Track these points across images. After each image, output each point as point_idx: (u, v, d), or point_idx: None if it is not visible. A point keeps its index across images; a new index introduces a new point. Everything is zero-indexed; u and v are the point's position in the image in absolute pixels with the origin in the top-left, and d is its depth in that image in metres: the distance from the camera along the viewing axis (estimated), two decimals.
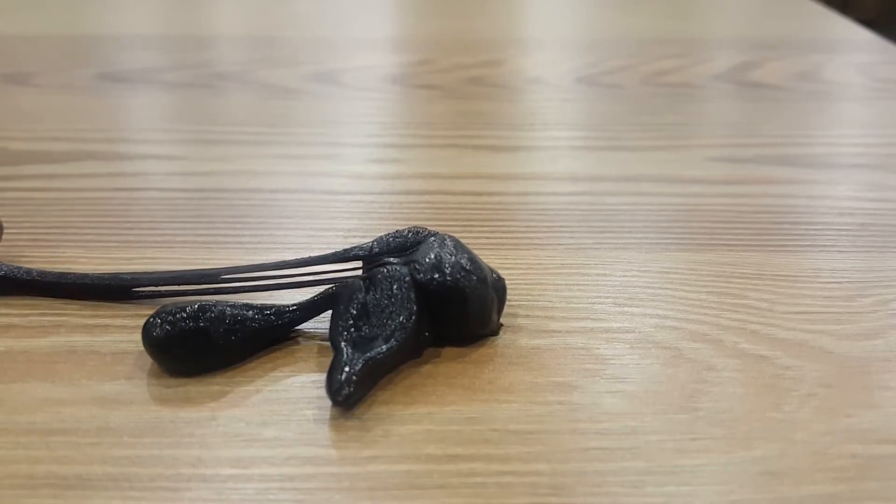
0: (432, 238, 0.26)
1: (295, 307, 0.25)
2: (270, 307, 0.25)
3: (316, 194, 0.35)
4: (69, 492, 0.20)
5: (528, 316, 0.27)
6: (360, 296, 0.24)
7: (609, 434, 0.22)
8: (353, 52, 0.58)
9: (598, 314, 0.27)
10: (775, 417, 0.22)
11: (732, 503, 0.20)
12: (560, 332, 0.26)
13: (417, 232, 0.26)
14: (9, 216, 0.32)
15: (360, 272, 0.26)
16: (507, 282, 0.27)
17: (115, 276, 0.27)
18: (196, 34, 0.63)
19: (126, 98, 0.47)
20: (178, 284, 0.27)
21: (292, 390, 0.23)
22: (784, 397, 0.23)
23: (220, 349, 0.24)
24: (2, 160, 0.38)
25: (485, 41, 0.62)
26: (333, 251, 0.27)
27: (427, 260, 0.25)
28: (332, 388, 0.22)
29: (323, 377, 0.23)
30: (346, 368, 0.22)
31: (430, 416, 0.22)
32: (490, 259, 0.29)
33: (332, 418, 0.22)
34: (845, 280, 0.29)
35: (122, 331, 0.26)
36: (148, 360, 0.24)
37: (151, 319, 0.23)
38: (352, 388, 0.22)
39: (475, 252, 0.26)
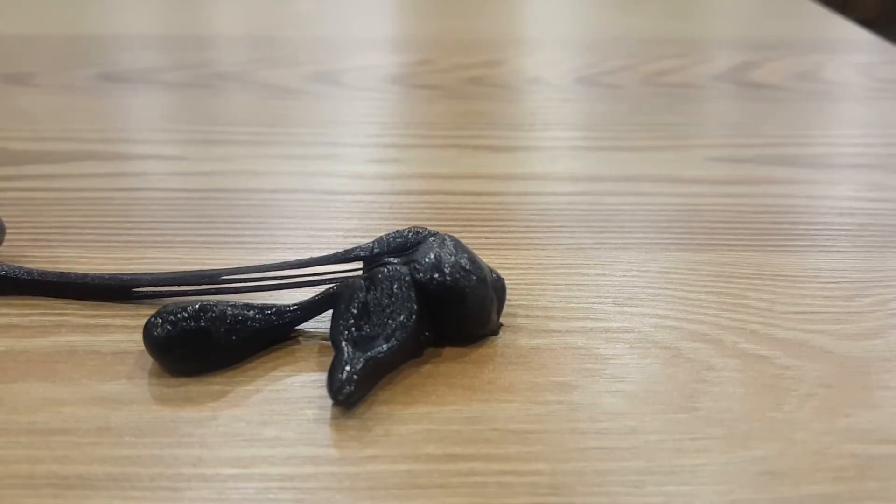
0: (432, 238, 0.26)
1: (296, 307, 0.25)
2: (271, 307, 0.25)
3: (316, 194, 0.35)
4: (70, 491, 0.20)
5: (527, 316, 0.27)
6: (360, 295, 0.24)
7: (609, 434, 0.22)
8: (353, 52, 0.58)
9: (597, 314, 0.27)
10: (775, 417, 0.23)
11: (732, 503, 0.20)
12: (560, 331, 0.26)
13: (417, 232, 0.26)
14: (9, 216, 0.32)
15: (360, 272, 0.27)
16: (506, 282, 0.27)
17: (116, 277, 0.27)
18: (196, 34, 0.63)
19: (126, 98, 0.47)
20: (179, 285, 0.27)
21: (293, 390, 0.23)
22: (784, 397, 0.23)
23: (221, 349, 0.24)
24: (2, 160, 0.38)
25: (485, 41, 0.62)
26: (334, 251, 0.27)
27: (427, 260, 0.25)
28: (333, 387, 0.22)
29: (323, 377, 0.23)
30: (347, 367, 0.22)
31: (430, 415, 0.22)
32: (490, 259, 0.29)
33: (333, 418, 0.22)
34: (845, 280, 0.29)
35: (123, 330, 0.26)
36: (148, 360, 0.24)
37: (152, 319, 0.23)
38: (353, 388, 0.22)
39: (475, 252, 0.26)
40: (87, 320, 0.26)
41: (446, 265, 0.24)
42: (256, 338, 0.24)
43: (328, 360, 0.23)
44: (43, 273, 0.27)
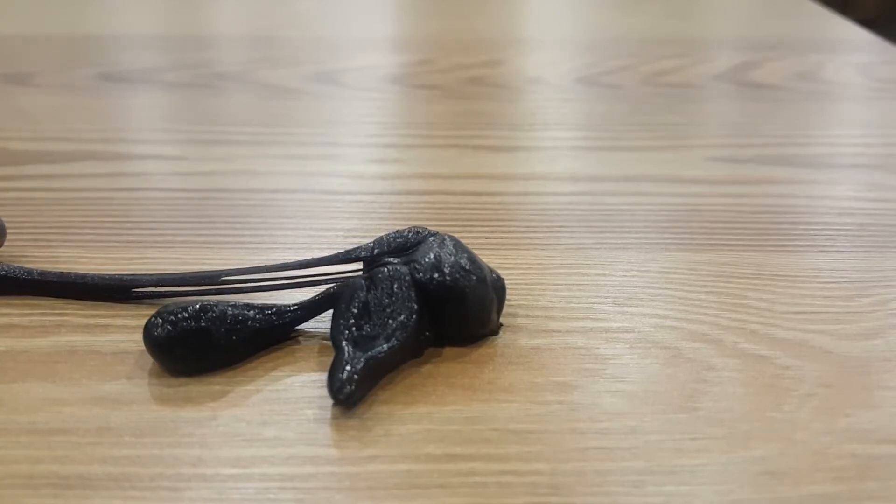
0: (432, 238, 0.26)
1: (296, 307, 0.25)
2: (271, 307, 0.25)
3: (316, 194, 0.35)
4: (70, 491, 0.20)
5: (527, 316, 0.27)
6: (361, 295, 0.24)
7: (609, 434, 0.22)
8: (353, 52, 0.58)
9: (597, 314, 0.27)
10: (775, 417, 0.23)
11: (732, 503, 0.20)
12: (560, 331, 0.26)
13: (418, 232, 0.26)
14: (9, 216, 0.32)
15: (360, 272, 0.27)
16: (506, 282, 0.27)
17: (116, 277, 0.27)
18: (196, 34, 0.63)
19: (126, 98, 0.47)
20: (179, 285, 0.27)
21: (293, 390, 0.23)
22: (784, 397, 0.23)
23: (221, 349, 0.24)
24: (2, 160, 0.38)
25: (485, 41, 0.62)
26: (334, 252, 0.27)
27: (427, 260, 0.25)
28: (334, 386, 0.22)
29: (323, 377, 0.23)
30: (348, 367, 0.22)
31: (430, 415, 0.22)
32: (490, 259, 0.30)
33: (333, 418, 0.22)
34: (845, 280, 0.29)
35: (123, 330, 0.26)
36: (148, 360, 0.24)
37: (153, 319, 0.23)
38: (353, 387, 0.22)
39: (475, 252, 0.26)
40: (87, 320, 0.26)
41: (446, 265, 0.24)
42: (256, 338, 0.24)
43: (328, 359, 0.23)
44: (43, 273, 0.27)
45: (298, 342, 0.25)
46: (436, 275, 0.24)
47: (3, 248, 0.30)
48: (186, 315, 0.23)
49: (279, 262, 0.27)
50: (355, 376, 0.22)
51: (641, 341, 0.26)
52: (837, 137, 0.43)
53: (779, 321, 0.27)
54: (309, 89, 0.49)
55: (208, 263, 0.29)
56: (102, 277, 0.27)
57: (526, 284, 0.28)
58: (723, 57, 0.58)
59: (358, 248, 0.27)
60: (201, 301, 0.24)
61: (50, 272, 0.27)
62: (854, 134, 0.44)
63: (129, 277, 0.27)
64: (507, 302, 0.27)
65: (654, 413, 0.23)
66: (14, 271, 0.27)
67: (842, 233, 0.33)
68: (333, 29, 0.66)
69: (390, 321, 0.24)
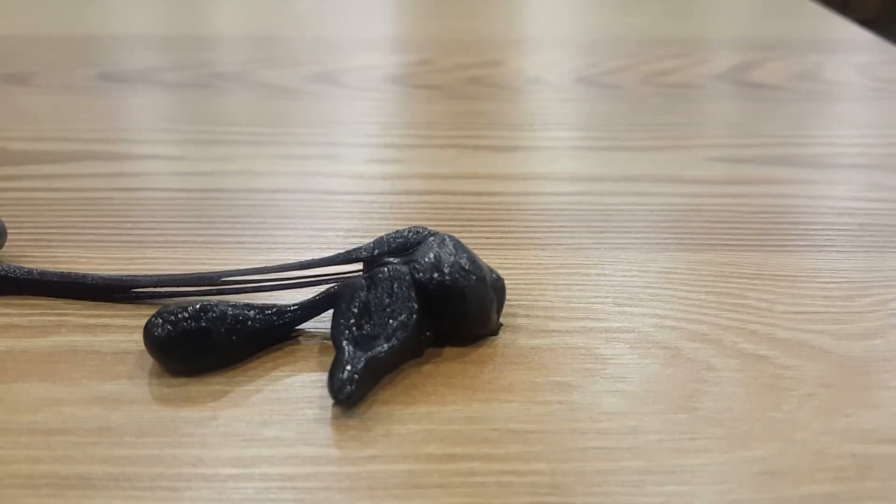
0: (432, 238, 0.26)
1: (296, 307, 0.25)
2: (272, 307, 0.25)
3: (316, 194, 0.35)
4: (70, 491, 0.20)
5: (527, 316, 0.27)
6: (361, 295, 0.24)
7: (609, 434, 0.22)
8: (353, 52, 0.58)
9: (597, 314, 0.27)
10: (775, 417, 0.23)
11: (732, 503, 0.20)
12: (560, 331, 0.26)
13: (418, 232, 0.26)
14: (9, 216, 0.32)
15: (360, 272, 0.27)
16: (506, 282, 0.27)
17: (116, 277, 0.27)
18: (196, 34, 0.63)
19: (126, 98, 0.47)
20: (179, 286, 0.27)
21: (293, 390, 0.23)
22: (783, 397, 0.23)
23: (222, 349, 0.24)
24: (2, 160, 0.38)
25: (485, 41, 0.62)
26: (334, 252, 0.27)
27: (426, 259, 0.25)
28: (335, 386, 0.22)
29: (323, 377, 0.23)
30: (349, 367, 0.22)
31: (430, 415, 0.22)
32: (490, 259, 0.30)
33: (333, 418, 0.22)
34: (845, 280, 0.29)
35: (123, 330, 0.26)
36: (149, 360, 0.24)
37: (153, 319, 0.23)
38: (354, 387, 0.22)
39: (475, 252, 0.26)
40: (88, 320, 0.26)
41: (446, 265, 0.24)
42: (257, 338, 0.24)
43: (328, 359, 0.23)
44: (43, 273, 0.27)
45: (298, 342, 0.25)
46: (435, 275, 0.24)
47: (3, 249, 0.30)
48: (186, 315, 0.23)
49: (279, 263, 0.27)
50: (356, 376, 0.22)
51: (641, 341, 0.26)
52: (837, 137, 0.43)
53: (779, 321, 0.27)
54: (309, 89, 0.49)
55: (208, 263, 0.29)
56: (103, 277, 0.27)
57: (526, 284, 0.28)
58: (723, 57, 0.58)
59: (358, 248, 0.27)
60: (201, 301, 0.24)
61: (50, 272, 0.27)
62: (854, 134, 0.44)
63: (129, 277, 0.27)
64: (507, 302, 0.27)
65: (654, 413, 0.23)
66: (14, 271, 0.27)
67: (842, 233, 0.33)
68: (333, 29, 0.66)
69: (391, 321, 0.24)
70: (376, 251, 0.26)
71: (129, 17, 0.69)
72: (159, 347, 0.23)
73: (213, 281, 0.27)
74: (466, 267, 0.24)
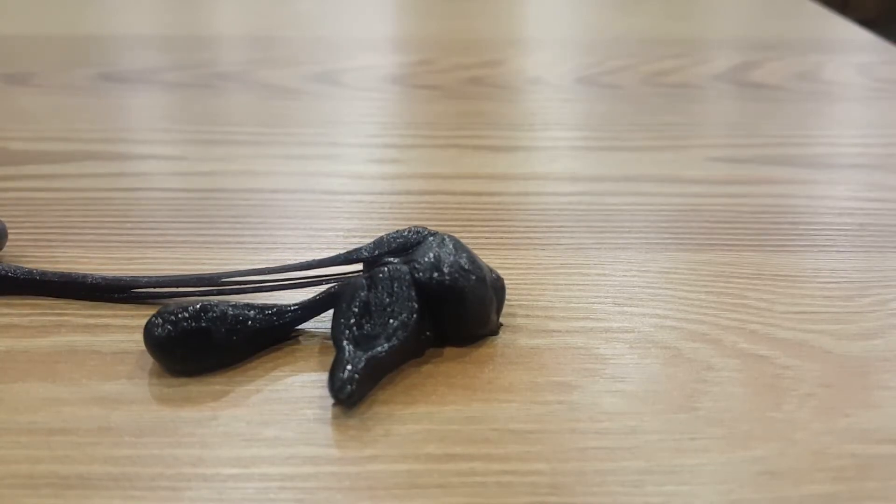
0: (432, 238, 0.26)
1: (296, 307, 0.25)
2: (272, 307, 0.25)
3: (316, 194, 0.35)
4: (70, 491, 0.20)
5: (527, 316, 0.27)
6: (362, 294, 0.24)
7: (609, 434, 0.22)
8: (353, 52, 0.58)
9: (597, 314, 0.27)
10: (775, 417, 0.23)
11: (732, 503, 0.20)
12: (560, 331, 0.26)
13: (418, 232, 0.26)
14: (9, 216, 0.32)
15: (361, 271, 0.27)
16: (506, 282, 0.27)
17: (116, 278, 0.27)
18: (196, 34, 0.63)
19: (126, 98, 0.47)
20: (179, 286, 0.27)
21: (293, 390, 0.23)
22: (783, 397, 0.23)
23: (222, 349, 0.24)
24: (2, 160, 0.38)
25: (485, 41, 0.62)
26: (335, 254, 0.27)
27: (426, 259, 0.25)
28: (335, 386, 0.22)
29: (323, 377, 0.23)
30: (349, 367, 0.22)
31: (430, 415, 0.22)
32: (490, 259, 0.30)
33: (333, 418, 0.22)
34: (845, 280, 0.29)
35: (123, 330, 0.26)
36: (149, 360, 0.24)
37: (153, 319, 0.23)
38: (354, 387, 0.22)
39: (475, 252, 0.26)
40: (88, 320, 0.26)
41: (445, 265, 0.24)
42: (257, 338, 0.24)
43: (328, 359, 0.23)
44: (43, 273, 0.27)
45: (299, 342, 0.25)
46: (435, 274, 0.24)
47: (3, 249, 0.30)
48: (187, 315, 0.23)
49: (280, 265, 0.27)
50: (356, 376, 0.22)
51: (641, 341, 0.26)
52: (837, 137, 0.43)
53: (779, 321, 0.27)
54: (309, 89, 0.49)
55: (208, 263, 0.29)
56: (103, 277, 0.27)
57: (526, 284, 0.28)
58: (723, 57, 0.58)
59: (358, 248, 0.27)
60: (202, 301, 0.24)
61: (50, 272, 0.27)
62: (854, 134, 0.44)
63: (129, 277, 0.27)
64: (506, 302, 0.27)
65: (654, 413, 0.23)
66: (14, 271, 0.27)
67: (842, 233, 0.33)
68: (333, 29, 0.66)
69: (391, 320, 0.24)
70: (376, 251, 0.26)
71: (129, 17, 0.69)
72: (159, 347, 0.23)
73: (213, 281, 0.27)
74: (466, 267, 0.24)
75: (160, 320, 0.23)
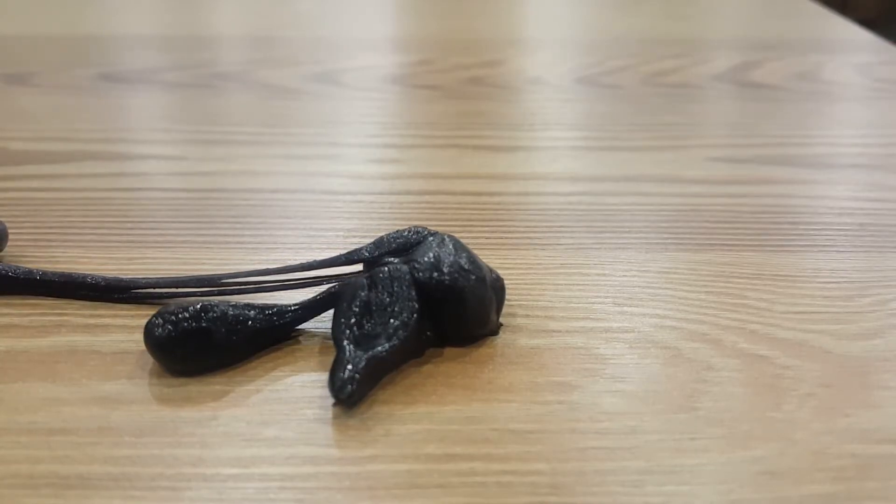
0: (432, 238, 0.26)
1: (296, 307, 0.25)
2: (272, 307, 0.25)
3: (316, 194, 0.35)
4: (70, 491, 0.20)
5: (527, 316, 0.27)
6: (362, 294, 0.24)
7: (609, 434, 0.22)
8: (353, 52, 0.58)
9: (597, 314, 0.27)
10: (775, 417, 0.23)
11: (732, 502, 0.20)
12: (560, 331, 0.26)
13: (418, 232, 0.26)
14: (10, 216, 0.32)
15: (361, 271, 0.27)
16: (506, 282, 0.27)
17: (116, 279, 0.27)
18: (196, 34, 0.63)
19: (126, 98, 0.47)
20: (179, 287, 0.27)
21: (293, 390, 0.23)
22: (783, 397, 0.23)
23: (222, 349, 0.24)
24: (2, 160, 0.38)
25: (485, 41, 0.62)
26: (336, 254, 0.27)
27: (426, 259, 0.25)
28: (336, 385, 0.22)
29: (324, 376, 0.23)
30: (349, 366, 0.22)
31: (430, 415, 0.22)
32: (490, 259, 0.30)
33: (333, 418, 0.22)
34: (844, 280, 0.29)
35: (123, 330, 0.26)
36: (149, 360, 0.24)
37: (153, 319, 0.23)
38: (355, 387, 0.22)
39: (475, 252, 0.26)
40: (88, 320, 0.26)
41: (445, 265, 0.24)
42: (257, 338, 0.24)
43: (329, 359, 0.23)
44: (43, 273, 0.27)
45: (299, 342, 0.25)
46: (435, 274, 0.24)
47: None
48: (187, 315, 0.23)
49: (280, 266, 0.27)
50: (357, 375, 0.22)
51: (641, 341, 0.26)
52: (837, 137, 0.43)
53: (779, 321, 0.27)
54: (309, 89, 0.49)
55: (208, 263, 0.29)
56: (103, 277, 0.27)
57: (526, 284, 0.28)
58: (723, 57, 0.58)
59: (358, 248, 0.27)
60: (202, 301, 0.24)
61: (50, 272, 0.27)
62: (854, 134, 0.44)
63: (129, 280, 0.27)
64: (506, 302, 0.27)
65: (654, 413, 0.23)
66: (14, 271, 0.27)
67: (842, 233, 0.33)
68: (333, 29, 0.66)
69: (392, 320, 0.24)
70: (377, 252, 0.26)
71: (129, 17, 0.69)
72: (159, 347, 0.23)
73: (213, 282, 0.27)
74: (466, 267, 0.24)
75: (160, 320, 0.23)
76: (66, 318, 0.26)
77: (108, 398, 0.23)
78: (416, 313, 0.24)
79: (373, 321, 0.24)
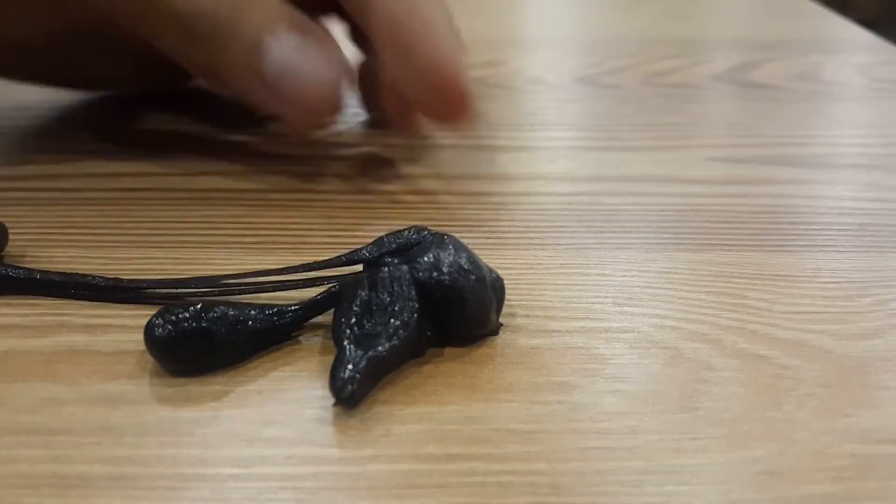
0: (432, 238, 0.26)
1: (297, 307, 0.25)
2: (272, 307, 0.25)
3: (316, 194, 0.35)
4: (70, 491, 0.20)
5: (527, 316, 0.27)
6: (363, 294, 0.24)
7: (609, 434, 0.22)
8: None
9: (597, 314, 0.27)
10: (775, 417, 0.23)
11: (732, 502, 0.20)
12: (560, 331, 0.26)
13: (418, 232, 0.26)
14: (10, 216, 0.32)
15: (361, 271, 0.27)
16: (506, 282, 0.27)
17: (117, 279, 0.27)
18: None
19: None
20: (180, 287, 0.27)
21: (293, 390, 0.23)
22: (783, 397, 0.23)
23: (222, 349, 0.24)
24: (2, 160, 0.38)
25: (485, 41, 0.62)
26: (336, 255, 0.27)
27: (426, 259, 0.25)
28: (336, 385, 0.22)
29: (324, 377, 0.23)
30: (350, 366, 0.22)
31: (430, 415, 0.22)
32: (490, 259, 0.29)
33: (333, 417, 0.22)
34: (844, 280, 0.29)
35: (124, 330, 0.26)
36: (149, 360, 0.24)
37: (154, 319, 0.23)
38: (355, 387, 0.22)
39: (475, 252, 0.26)
40: (88, 320, 0.26)
41: (445, 265, 0.24)
42: (257, 338, 0.24)
43: (329, 359, 0.23)
44: (44, 273, 0.27)
45: (299, 342, 0.25)
46: (435, 274, 0.24)
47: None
48: (187, 315, 0.23)
49: (280, 266, 0.27)
50: (357, 375, 0.22)
51: (641, 341, 0.26)
52: (837, 137, 0.43)
53: (779, 321, 0.27)
54: None
55: (209, 263, 0.29)
56: (103, 277, 0.27)
57: (526, 284, 0.28)
58: (723, 57, 0.58)
59: (359, 249, 0.27)
60: (202, 301, 0.24)
61: (51, 272, 0.27)
62: (854, 134, 0.44)
63: (129, 278, 0.27)
64: (506, 302, 0.27)
65: (654, 413, 0.23)
66: (14, 271, 0.27)
67: (842, 233, 0.33)
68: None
69: (392, 320, 0.24)
70: (377, 252, 0.26)
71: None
72: (160, 347, 0.23)
73: (213, 282, 0.27)
74: (465, 267, 0.24)
75: (160, 320, 0.23)
76: (66, 318, 0.26)
77: (109, 398, 0.23)
78: (417, 313, 0.24)
79: (373, 321, 0.24)
